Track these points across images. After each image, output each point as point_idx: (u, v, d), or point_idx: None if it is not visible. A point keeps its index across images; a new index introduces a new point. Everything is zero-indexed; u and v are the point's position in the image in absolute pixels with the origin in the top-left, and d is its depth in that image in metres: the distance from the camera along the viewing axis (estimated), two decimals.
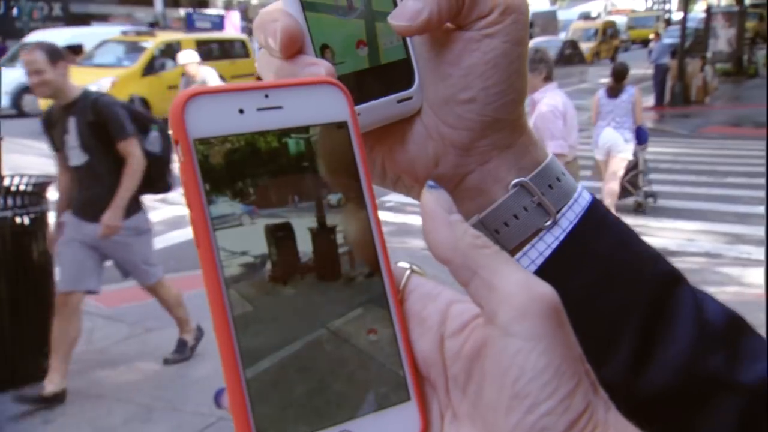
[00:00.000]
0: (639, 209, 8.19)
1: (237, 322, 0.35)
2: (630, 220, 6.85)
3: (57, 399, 4.02)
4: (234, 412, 0.35)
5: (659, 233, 7.49)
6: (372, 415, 0.37)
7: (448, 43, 0.48)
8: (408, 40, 0.48)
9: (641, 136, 7.54)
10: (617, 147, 7.20)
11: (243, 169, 0.36)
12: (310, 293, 0.37)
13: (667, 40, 17.91)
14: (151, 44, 16.42)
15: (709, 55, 18.85)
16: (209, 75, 8.69)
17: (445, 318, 0.38)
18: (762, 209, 8.18)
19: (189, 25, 23.71)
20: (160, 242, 7.78)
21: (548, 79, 4.91)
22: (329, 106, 0.39)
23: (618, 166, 7.28)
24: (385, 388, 0.38)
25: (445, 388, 0.38)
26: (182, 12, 33.52)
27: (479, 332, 0.37)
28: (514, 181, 0.50)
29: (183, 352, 4.70)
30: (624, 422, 0.36)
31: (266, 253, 0.37)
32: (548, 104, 4.85)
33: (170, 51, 16.98)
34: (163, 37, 17.47)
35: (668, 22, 34.16)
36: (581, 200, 0.52)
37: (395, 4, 0.47)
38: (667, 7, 37.77)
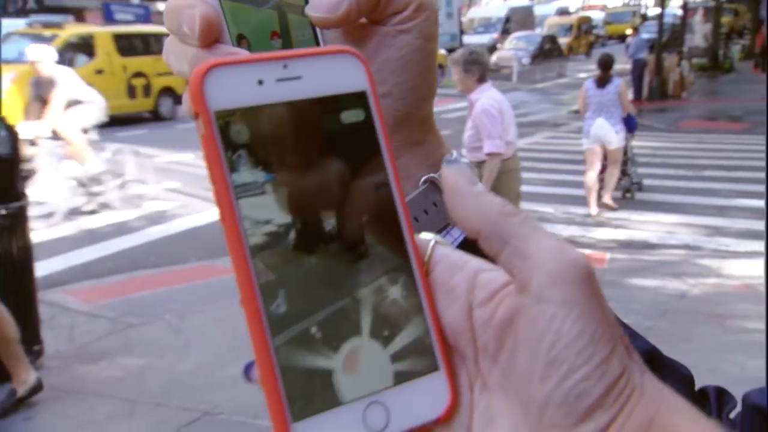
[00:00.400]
0: (627, 195, 8.33)
1: (263, 291, 0.34)
2: (612, 213, 6.90)
3: (35, 391, 3.96)
4: (264, 381, 0.34)
5: (640, 226, 7.56)
6: (401, 386, 0.37)
7: (363, 37, 0.47)
8: (318, 33, 0.47)
9: (631, 124, 7.77)
10: (608, 138, 7.45)
11: (265, 141, 0.35)
12: (335, 263, 0.37)
13: (644, 36, 18.08)
14: (60, 37, 14.82)
15: (685, 50, 19.04)
16: (65, 76, 7.90)
17: (473, 287, 0.38)
18: (739, 202, 8.29)
19: (107, 16, 21.24)
20: (140, 238, 7.74)
21: (482, 80, 4.99)
22: (348, 75, 0.38)
23: (616, 155, 7.61)
24: (413, 358, 0.37)
25: (474, 357, 0.38)
26: (160, 5, 33.18)
27: (511, 300, 0.36)
28: (424, 177, 0.50)
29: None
30: (659, 385, 0.36)
31: (290, 222, 0.36)
32: (488, 101, 4.92)
33: (82, 45, 15.53)
34: (74, 29, 16.00)
35: (644, 17, 34.43)
36: None
37: None
38: (642, 2, 38.08)
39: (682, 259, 6.52)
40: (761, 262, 6.30)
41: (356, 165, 0.38)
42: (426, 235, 0.40)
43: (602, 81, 7.45)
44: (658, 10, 25.61)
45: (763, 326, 4.93)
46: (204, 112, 0.34)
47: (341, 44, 0.47)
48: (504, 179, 5.00)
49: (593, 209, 7.69)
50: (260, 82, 0.36)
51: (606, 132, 7.42)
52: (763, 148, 11.70)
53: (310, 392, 0.35)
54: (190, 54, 0.43)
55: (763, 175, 9.66)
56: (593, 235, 7.25)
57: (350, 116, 0.38)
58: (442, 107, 16.70)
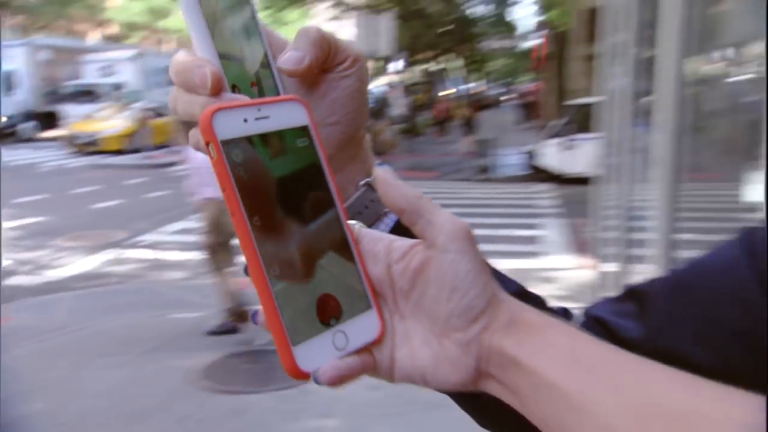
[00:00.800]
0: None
1: (265, 263, 0.42)
2: None
3: None
4: (270, 322, 0.42)
5: None
6: (351, 319, 0.45)
7: (316, 83, 0.54)
8: (277, 80, 0.53)
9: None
10: None
11: (255, 160, 0.43)
12: (305, 240, 0.45)
13: None
14: None
15: (390, 117, 20.74)
16: None
17: (390, 251, 0.47)
18: None
19: None
20: None
21: None
22: (296, 115, 0.46)
23: None
24: (356, 302, 0.46)
25: (393, 298, 0.47)
26: None
27: (420, 255, 0.45)
28: (362, 182, 0.56)
29: None
30: (513, 299, 0.46)
31: (283, 212, 0.44)
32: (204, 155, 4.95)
33: None
34: None
35: None
36: None
37: (266, 55, 0.52)
38: None
39: None
40: None
41: (307, 174, 0.45)
42: (352, 222, 0.48)
43: None
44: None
45: None
46: (214, 141, 0.42)
47: (298, 89, 0.54)
48: (227, 216, 4.99)
49: None
50: (245, 120, 0.43)
51: None
52: (449, 192, 13.09)
53: (299, 326, 0.43)
54: (201, 101, 0.47)
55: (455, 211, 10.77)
56: None
57: (300, 141, 0.46)
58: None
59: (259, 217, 0.42)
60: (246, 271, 0.43)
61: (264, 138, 0.43)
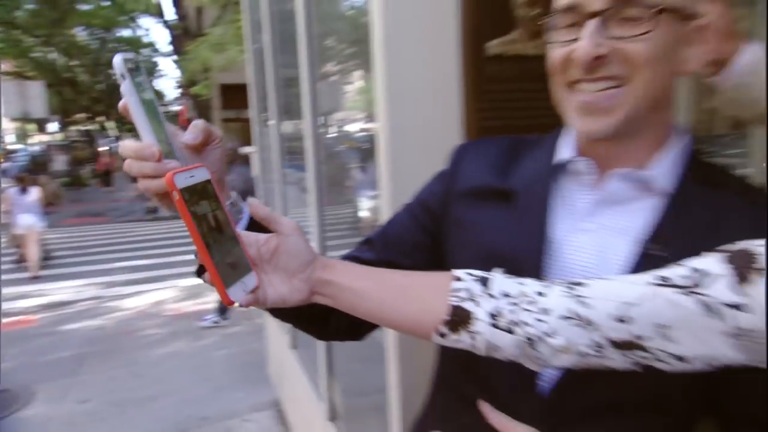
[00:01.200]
0: (46, 262, 7.70)
1: (209, 249, 0.57)
2: (32, 287, 5.88)
3: None
4: (211, 275, 0.57)
5: (54, 292, 6.69)
6: (245, 276, 0.61)
7: (201, 151, 0.65)
8: (178, 153, 0.63)
9: (45, 217, 7.64)
10: (34, 227, 7.22)
11: (194, 198, 0.57)
12: (220, 235, 0.59)
13: (17, 163, 15.76)
14: None
15: (51, 172, 17.30)
16: None
17: (257, 240, 0.63)
18: (118, 264, 8.03)
19: None
20: None
21: None
22: (204, 174, 0.60)
23: (36, 237, 7.30)
24: (245, 267, 0.61)
25: (262, 265, 0.63)
26: None
27: (275, 241, 0.62)
28: (232, 194, 0.68)
29: None
30: (324, 257, 0.64)
31: (209, 224, 0.58)
32: None
33: None
34: None
35: (7, 151, 29.26)
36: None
37: (168, 135, 0.62)
38: (6, 139, 32.63)
39: (93, 306, 6.09)
40: (142, 297, 6.36)
41: (213, 203, 0.60)
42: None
43: (23, 189, 7.30)
44: (18, 146, 22.38)
45: (153, 332, 5.08)
46: (177, 189, 0.55)
47: (191, 155, 0.66)
48: None
49: (35, 272, 7.13)
50: (185, 178, 0.56)
51: (32, 222, 7.20)
52: (123, 232, 11.64)
53: (227, 277, 0.58)
54: (150, 166, 0.59)
55: (128, 247, 9.63)
56: (21, 305, 6.04)
57: (208, 187, 0.60)
58: None
59: (201, 227, 0.56)
60: (196, 255, 0.57)
61: (194, 186, 0.58)
